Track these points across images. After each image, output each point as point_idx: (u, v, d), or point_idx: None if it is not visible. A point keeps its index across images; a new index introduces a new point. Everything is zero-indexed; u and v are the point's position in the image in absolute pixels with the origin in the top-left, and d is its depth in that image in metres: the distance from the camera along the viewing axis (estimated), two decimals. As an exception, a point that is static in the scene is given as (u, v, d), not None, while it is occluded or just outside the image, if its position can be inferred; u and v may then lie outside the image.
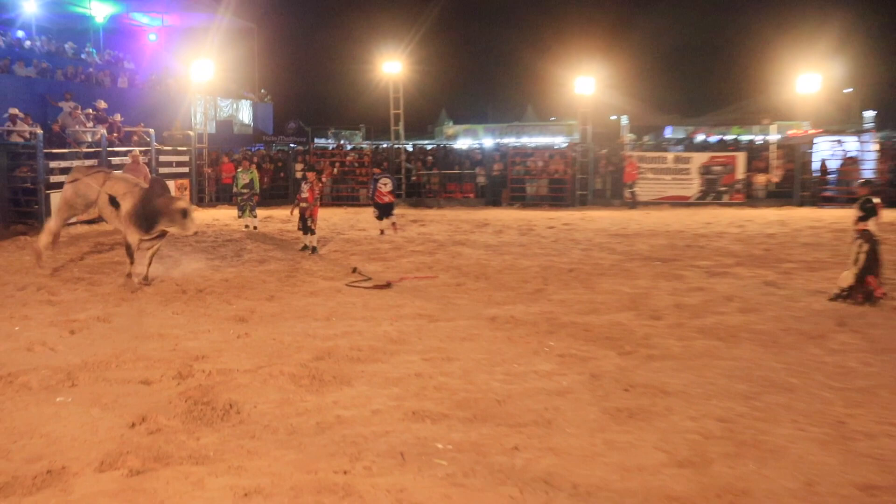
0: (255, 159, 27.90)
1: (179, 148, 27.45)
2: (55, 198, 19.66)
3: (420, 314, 10.91)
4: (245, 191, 21.73)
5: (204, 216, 24.26)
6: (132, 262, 13.22)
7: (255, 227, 21.27)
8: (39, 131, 20.43)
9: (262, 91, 45.21)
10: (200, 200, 27.61)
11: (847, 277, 11.99)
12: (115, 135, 24.23)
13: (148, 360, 8.61)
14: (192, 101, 32.53)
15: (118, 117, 25.72)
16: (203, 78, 29.72)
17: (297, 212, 17.45)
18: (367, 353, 8.92)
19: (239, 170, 22.47)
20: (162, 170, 25.65)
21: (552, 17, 77.65)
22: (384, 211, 20.30)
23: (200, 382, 7.84)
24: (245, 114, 43.12)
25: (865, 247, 11.93)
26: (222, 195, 28.02)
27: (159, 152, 25.81)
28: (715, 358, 8.85)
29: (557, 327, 10.13)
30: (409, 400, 7.36)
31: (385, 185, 20.40)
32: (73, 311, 11.06)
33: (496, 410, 7.11)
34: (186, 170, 27.47)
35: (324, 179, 18.12)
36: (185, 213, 13.15)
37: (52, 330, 10.06)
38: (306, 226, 17.08)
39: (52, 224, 14.23)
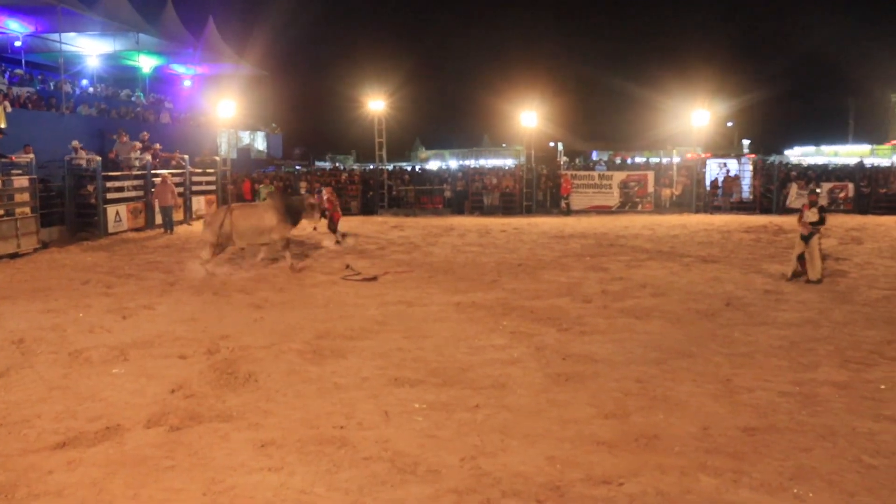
0: (273, 179, 27.90)
1: (208, 170, 27.20)
2: (111, 211, 19.62)
3: (400, 301, 10.86)
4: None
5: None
6: (290, 254, 13.97)
7: None
8: (98, 158, 20.23)
9: (273, 125, 44.90)
10: (226, 212, 27.39)
11: (816, 267, 12.27)
12: (157, 160, 24.01)
13: (184, 340, 8.54)
14: (218, 133, 32.47)
15: (157, 146, 25.52)
16: (227, 115, 29.46)
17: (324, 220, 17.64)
18: (358, 332, 8.88)
19: (260, 186, 22.84)
20: (194, 187, 25.44)
21: (503, 66, 77.72)
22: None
23: (225, 357, 7.77)
24: (260, 142, 42.88)
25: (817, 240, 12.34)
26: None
27: (192, 173, 25.58)
28: (633, 332, 8.88)
29: (509, 310, 10.11)
30: (392, 369, 7.33)
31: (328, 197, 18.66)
32: (124, 301, 10.92)
33: (461, 377, 7.10)
34: (214, 187, 27.22)
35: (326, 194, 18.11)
36: (313, 207, 14.55)
37: (109, 316, 9.94)
38: (333, 226, 18.00)
39: (204, 252, 13.95)
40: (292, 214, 14.23)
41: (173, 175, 22.91)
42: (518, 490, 4.73)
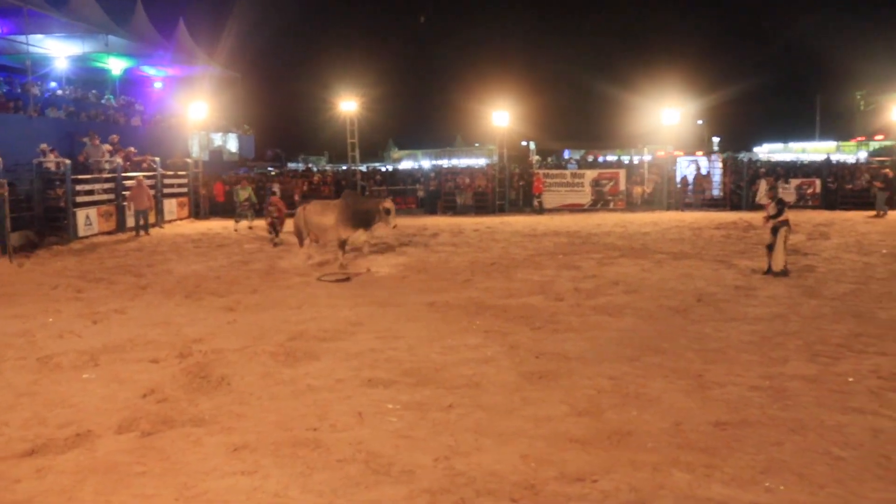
0: (249, 180, 27.75)
1: (180, 172, 26.99)
2: (81, 215, 19.37)
3: (373, 301, 10.82)
4: (245, 202, 22.63)
5: (199, 227, 23.94)
6: (343, 254, 14.18)
7: (250, 227, 22.10)
8: (68, 161, 19.98)
9: (246, 126, 44.62)
10: (196, 214, 27.22)
11: (779, 259, 12.45)
12: (128, 163, 23.77)
13: (155, 344, 8.43)
14: (189, 135, 32.23)
15: (132, 150, 25.26)
16: (198, 116, 29.35)
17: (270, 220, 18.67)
18: (331, 333, 8.82)
19: (238, 187, 22.90)
20: (166, 189, 25.26)
21: (475, 66, 77.87)
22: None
23: (198, 360, 7.68)
24: (232, 144, 42.59)
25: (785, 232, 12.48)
26: (215, 210, 27.70)
27: (164, 176, 25.37)
28: (605, 330, 8.90)
29: (483, 309, 10.10)
30: (366, 370, 7.29)
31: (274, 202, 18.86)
32: (95, 305, 10.78)
33: (435, 376, 7.08)
34: (186, 189, 27.04)
35: (296, 197, 18.49)
36: (388, 212, 13.85)
37: (79, 320, 9.80)
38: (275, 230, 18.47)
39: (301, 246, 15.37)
40: (359, 218, 14.06)
41: (146, 178, 22.71)
42: (492, 489, 4.72)
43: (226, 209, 27.66)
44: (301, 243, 15.19)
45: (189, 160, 28.24)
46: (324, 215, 14.53)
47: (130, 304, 10.88)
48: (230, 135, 42.27)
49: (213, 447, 5.43)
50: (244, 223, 22.30)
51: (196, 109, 29.05)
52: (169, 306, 10.78)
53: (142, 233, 20.99)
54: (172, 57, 36.83)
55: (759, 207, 26.80)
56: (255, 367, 7.46)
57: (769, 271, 12.50)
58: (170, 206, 25.45)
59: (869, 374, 7.00)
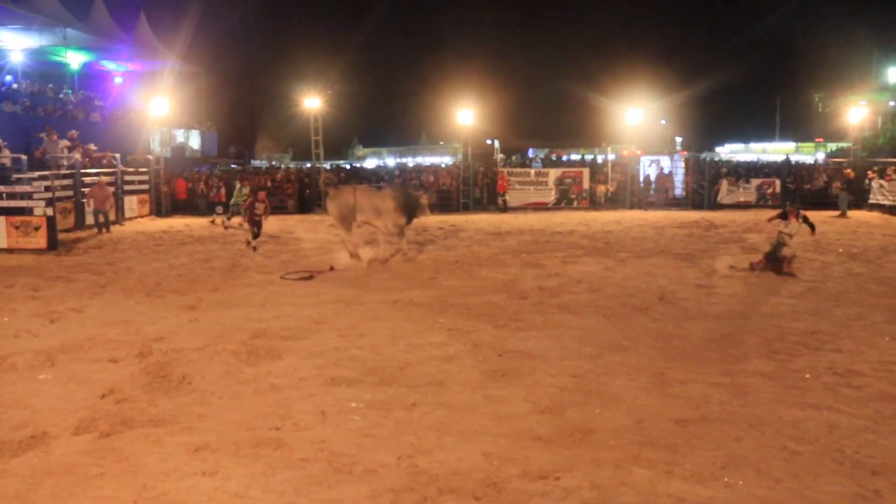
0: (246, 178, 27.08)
1: (141, 169, 26.64)
2: (37, 211, 18.99)
3: (337, 299, 10.78)
4: (242, 201, 21.52)
5: (161, 224, 23.66)
6: (401, 241, 14.79)
7: (240, 224, 21.18)
8: (24, 157, 19.60)
9: (208, 122, 44.18)
10: (158, 212, 26.88)
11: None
12: (87, 159, 23.40)
13: (115, 343, 8.31)
14: (150, 131, 31.75)
15: (92, 146, 24.88)
16: (160, 112, 28.93)
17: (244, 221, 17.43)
18: (294, 332, 8.78)
19: (238, 185, 22.53)
20: (126, 187, 24.90)
21: (440, 64, 77.75)
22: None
23: (158, 360, 7.58)
24: (195, 141, 42.14)
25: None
26: (177, 207, 27.39)
27: (124, 173, 25.02)
28: (568, 328, 8.96)
29: (446, 307, 10.11)
30: (329, 369, 7.26)
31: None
32: (52, 304, 10.60)
33: (399, 375, 7.07)
34: (147, 186, 26.68)
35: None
36: (426, 206, 15.12)
37: (36, 320, 9.63)
38: (258, 230, 16.67)
39: (344, 237, 14.92)
40: (411, 208, 14.83)
41: (105, 175, 22.40)
42: (455, 487, 4.73)
43: (188, 206, 27.39)
44: (349, 230, 14.72)
45: (150, 157, 27.88)
46: (382, 200, 14.72)
47: (89, 303, 10.71)
48: (193, 131, 41.82)
49: (173, 447, 5.37)
50: (236, 219, 21.58)
51: (157, 105, 28.65)
52: (129, 305, 10.64)
53: (103, 231, 20.69)
54: (133, 51, 36.38)
55: (721, 207, 27.25)
56: (216, 366, 7.39)
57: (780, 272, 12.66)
58: (130, 203, 25.09)
59: (825, 370, 7.14)
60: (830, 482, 4.77)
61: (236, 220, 21.65)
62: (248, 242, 16.56)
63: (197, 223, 23.77)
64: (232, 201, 22.24)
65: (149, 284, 12.17)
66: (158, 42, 37.99)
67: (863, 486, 4.70)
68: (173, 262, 14.77)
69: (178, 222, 24.39)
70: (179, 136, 40.02)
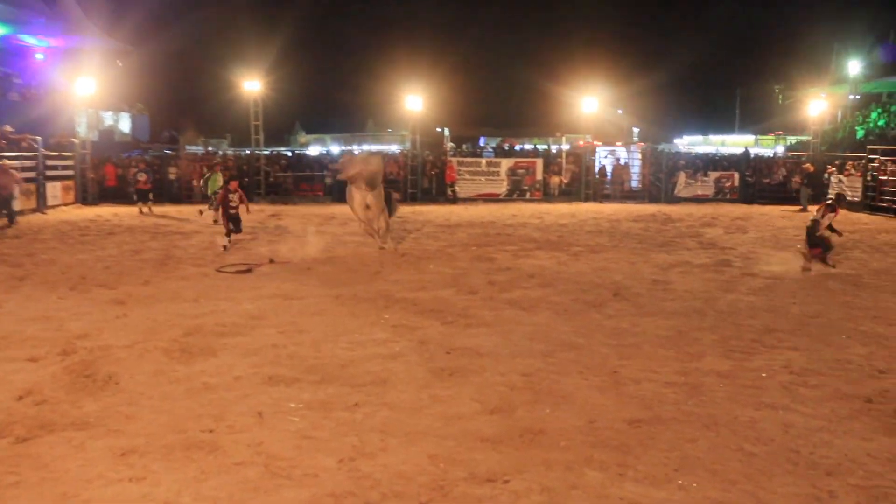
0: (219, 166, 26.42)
1: (65, 154, 26.04)
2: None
3: (276, 294, 10.69)
4: (219, 190, 20.97)
5: (87, 213, 23.19)
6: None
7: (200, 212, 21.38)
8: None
9: (139, 105, 43.36)
10: (84, 200, 26.33)
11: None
12: (3, 142, 22.76)
13: (34, 340, 8.11)
14: (75, 112, 30.99)
15: (8, 128, 24.22)
16: (86, 93, 28.27)
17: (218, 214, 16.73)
18: (230, 328, 8.68)
19: (212, 173, 22.26)
20: (49, 172, 24.33)
21: (388, 47, 77.44)
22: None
23: (83, 358, 7.42)
24: (125, 124, 41.34)
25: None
26: (105, 195, 26.86)
27: (46, 157, 24.43)
28: (519, 324, 9.02)
29: (392, 303, 10.10)
30: (267, 367, 7.20)
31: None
32: (-35, 298, 10.31)
33: (340, 373, 7.04)
34: (72, 172, 26.10)
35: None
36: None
37: (-54, 315, 9.36)
38: (238, 225, 15.25)
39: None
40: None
41: (24, 159, 21.80)
42: (399, 491, 4.73)
43: (117, 194, 26.87)
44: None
45: (75, 140, 27.28)
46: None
47: (6, 297, 10.43)
48: (122, 114, 41.00)
49: (97, 452, 5.27)
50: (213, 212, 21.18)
51: (83, 85, 27.97)
52: (51, 299, 10.40)
53: (6, 221, 19.70)
54: (56, 25, 35.43)
55: (678, 200, 27.68)
56: (146, 365, 7.27)
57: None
58: (53, 190, 24.53)
59: (781, 369, 7.31)
60: (785, 483, 4.88)
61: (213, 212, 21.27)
62: (225, 247, 14.96)
63: (126, 212, 23.36)
64: (209, 191, 21.83)
65: (73, 277, 11.91)
66: (85, 17, 37.07)
67: (817, 487, 4.82)
68: (100, 254, 14.50)
69: (106, 211, 23.95)
70: (108, 118, 39.23)
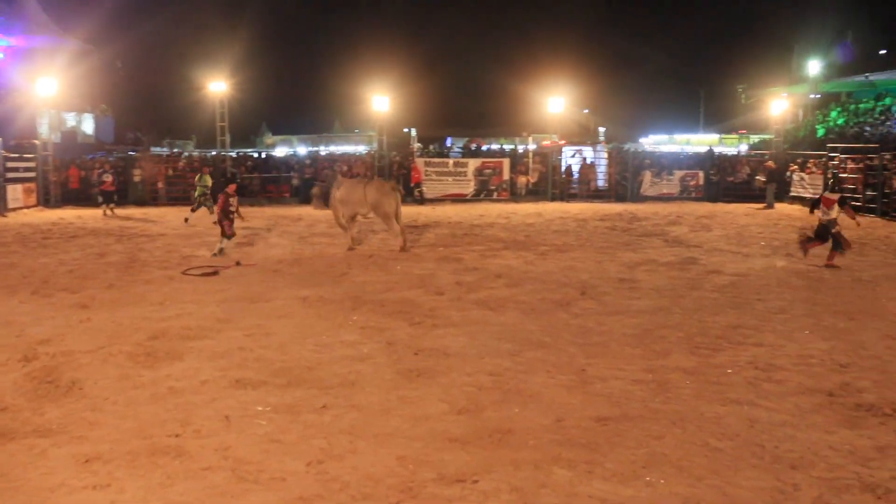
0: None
1: (26, 155, 25.65)
2: None
3: (243, 296, 10.61)
4: (206, 191, 21.65)
5: (50, 216, 22.85)
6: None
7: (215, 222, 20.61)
8: None
9: (103, 106, 42.85)
10: (47, 202, 25.95)
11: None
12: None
13: (-5, 346, 7.98)
14: (37, 113, 30.54)
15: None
16: (48, 93, 27.87)
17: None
18: (196, 331, 8.59)
19: (202, 174, 22.15)
20: (10, 175, 23.96)
21: (354, 48, 77.40)
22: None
23: (45, 364, 7.32)
24: (88, 125, 40.83)
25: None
26: (68, 197, 26.49)
27: (7, 158, 24.05)
28: (486, 324, 9.03)
29: (359, 304, 10.06)
30: (233, 370, 7.14)
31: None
32: (-77, 304, 10.11)
33: (308, 376, 7.01)
34: (34, 174, 25.71)
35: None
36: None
37: None
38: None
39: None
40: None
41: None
42: (368, 493, 4.71)
43: (80, 196, 26.52)
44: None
45: (37, 142, 26.88)
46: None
47: (-35, 303, 10.26)
48: (86, 115, 40.49)
49: (60, 460, 5.19)
50: (193, 215, 21.22)
51: (45, 85, 27.57)
52: (11, 304, 10.23)
53: None
54: (15, 24, 34.89)
55: (644, 199, 27.89)
56: (110, 370, 7.18)
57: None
58: (14, 192, 24.17)
59: (746, 364, 7.39)
60: (750, 477, 4.94)
61: (197, 213, 21.21)
62: (219, 251, 14.44)
63: (90, 214, 23.07)
64: (197, 193, 21.67)
65: (35, 282, 11.73)
66: (45, 16, 36.56)
67: (782, 481, 4.88)
68: (63, 258, 14.30)
69: (69, 214, 23.63)
70: (70, 119, 38.75)
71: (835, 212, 12.99)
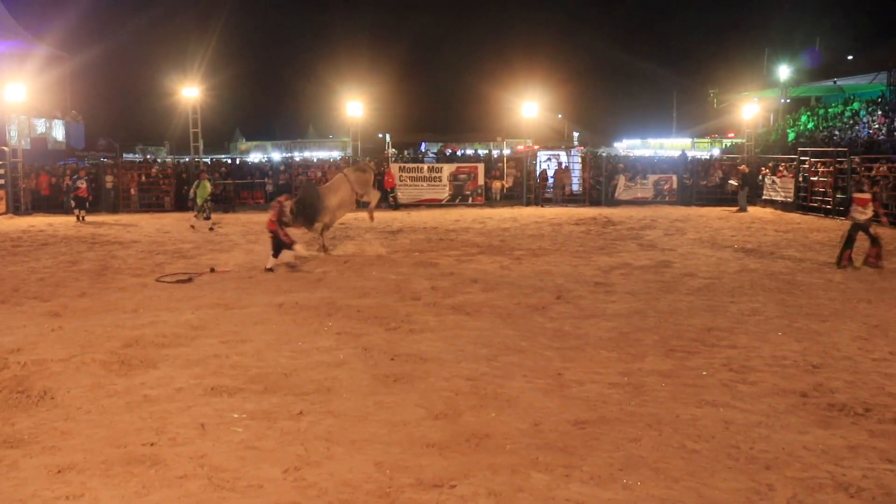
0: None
1: (-6, 163, 25.36)
2: None
3: (217, 303, 10.54)
4: (209, 199, 21.52)
5: (20, 223, 22.56)
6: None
7: (211, 228, 20.64)
8: None
9: (74, 112, 42.38)
10: (17, 209, 25.64)
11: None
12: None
13: (-35, 356, 7.86)
14: (5, 120, 30.18)
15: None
16: (17, 99, 27.57)
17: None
18: (171, 339, 8.53)
19: (201, 180, 21.71)
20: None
21: (327, 53, 77.22)
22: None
23: (16, 373, 7.23)
24: (58, 132, 40.37)
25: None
26: (39, 205, 26.20)
27: (-26, 167, 23.78)
28: (463, 329, 9.04)
29: (335, 310, 10.03)
30: (209, 378, 7.10)
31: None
32: None
33: (284, 382, 6.98)
34: (3, 182, 25.40)
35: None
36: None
37: None
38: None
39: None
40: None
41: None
42: (345, 500, 4.70)
43: (51, 204, 26.23)
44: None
45: (6, 148, 26.56)
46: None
47: (-66, 312, 10.11)
48: (56, 121, 40.04)
49: (32, 470, 5.13)
50: (207, 223, 20.96)
51: (13, 91, 27.28)
52: (-20, 313, 10.10)
53: None
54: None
55: (618, 203, 28.04)
56: (83, 379, 7.11)
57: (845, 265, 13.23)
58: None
59: (721, 367, 7.46)
60: (726, 478, 4.98)
61: (202, 221, 20.98)
62: (291, 265, 13.44)
63: (62, 222, 22.82)
64: (198, 199, 21.28)
65: (4, 290, 11.60)
66: (13, 20, 36.14)
67: (756, 481, 4.92)
68: (34, 265, 14.13)
69: (40, 221, 23.34)
70: (40, 126, 38.27)
71: (870, 210, 13.16)
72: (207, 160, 32.65)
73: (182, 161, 34.69)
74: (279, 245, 13.33)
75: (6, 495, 4.78)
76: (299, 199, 15.16)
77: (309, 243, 15.33)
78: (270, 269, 13.20)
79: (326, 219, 15.59)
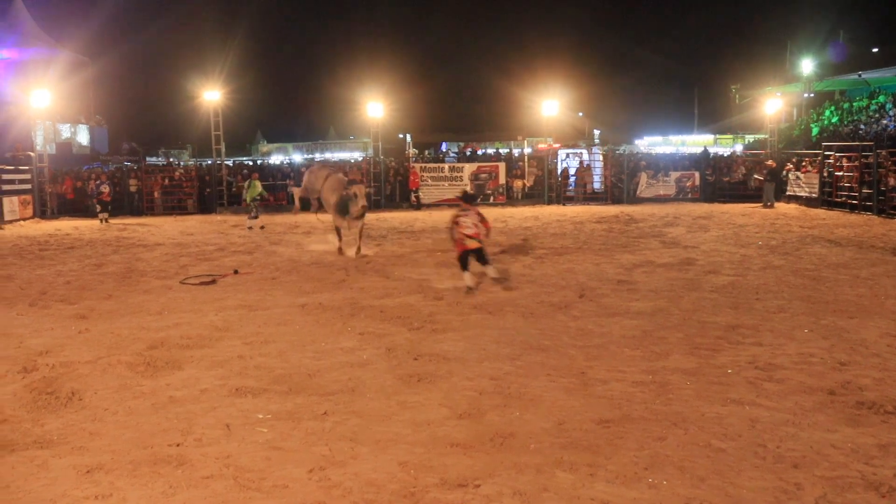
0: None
1: (21, 167, 25.62)
2: None
3: (241, 305, 10.59)
4: (258, 198, 22.03)
5: (47, 227, 22.81)
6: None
7: (262, 227, 21.18)
8: None
9: (98, 117, 42.81)
10: (43, 213, 25.94)
11: None
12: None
13: (-6, 358, 7.95)
14: (32, 125, 30.53)
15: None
16: (42, 105, 27.88)
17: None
18: (195, 340, 8.58)
19: (250, 180, 22.22)
20: (5, 187, 23.93)
21: (348, 55, 77.40)
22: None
23: (45, 375, 7.30)
24: (83, 136, 40.80)
25: None
26: (65, 209, 26.49)
27: (2, 171, 24.03)
28: (486, 328, 9.02)
29: (358, 310, 10.05)
30: (233, 378, 7.13)
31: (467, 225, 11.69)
32: (-79, 317, 10.08)
33: (308, 383, 6.99)
34: (29, 186, 25.70)
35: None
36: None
37: None
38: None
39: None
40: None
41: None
42: (370, 499, 4.70)
43: (77, 207, 26.51)
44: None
45: (32, 154, 26.87)
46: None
47: (-37, 315, 10.23)
48: (80, 126, 40.46)
49: (61, 470, 5.17)
50: (256, 222, 21.37)
51: (39, 97, 27.57)
52: (10, 316, 10.21)
53: None
54: (8, 37, 34.89)
55: (640, 201, 27.91)
56: (110, 380, 7.16)
57: None
58: (10, 204, 24.15)
59: (746, 364, 7.39)
60: (753, 477, 4.93)
61: (256, 222, 21.32)
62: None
63: (87, 225, 23.04)
64: (248, 199, 21.77)
65: (32, 293, 11.71)
66: (38, 28, 36.55)
67: (784, 480, 4.87)
68: (61, 269, 14.27)
69: (66, 225, 23.60)
70: (65, 131, 38.70)
71: None
72: (229, 162, 32.80)
73: (204, 164, 34.89)
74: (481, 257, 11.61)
75: (36, 495, 4.83)
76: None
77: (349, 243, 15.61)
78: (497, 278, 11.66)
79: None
